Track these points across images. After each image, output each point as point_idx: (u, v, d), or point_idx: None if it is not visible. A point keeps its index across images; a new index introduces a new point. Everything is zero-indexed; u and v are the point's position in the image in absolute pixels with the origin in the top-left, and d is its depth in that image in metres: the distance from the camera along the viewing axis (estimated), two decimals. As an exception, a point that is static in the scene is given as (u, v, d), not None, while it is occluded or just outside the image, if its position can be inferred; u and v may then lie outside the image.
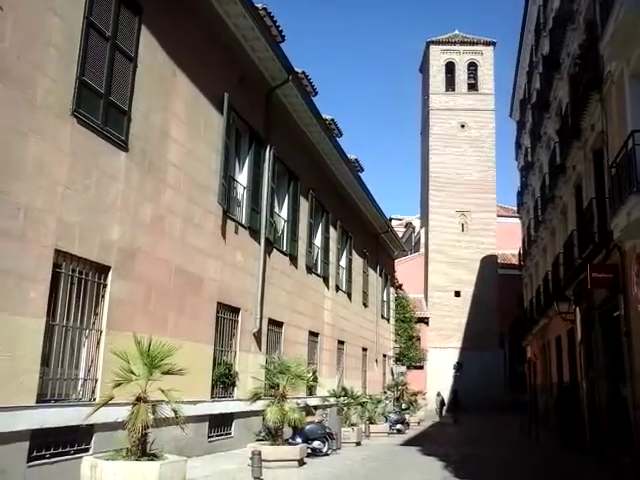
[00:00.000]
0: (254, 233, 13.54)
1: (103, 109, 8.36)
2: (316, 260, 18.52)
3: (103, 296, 8.36)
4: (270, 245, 14.44)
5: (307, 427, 12.20)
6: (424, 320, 38.51)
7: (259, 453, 8.14)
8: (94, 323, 8.25)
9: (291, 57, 13.86)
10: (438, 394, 32.62)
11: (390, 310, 31.29)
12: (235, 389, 12.38)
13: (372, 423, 18.60)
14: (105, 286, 8.39)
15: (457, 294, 39.05)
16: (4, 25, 6.70)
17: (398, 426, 20.71)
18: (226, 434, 12.02)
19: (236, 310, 12.67)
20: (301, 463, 10.74)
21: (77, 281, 7.89)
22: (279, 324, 15.10)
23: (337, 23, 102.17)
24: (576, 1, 15.89)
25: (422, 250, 41.49)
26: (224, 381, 11.91)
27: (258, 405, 11.37)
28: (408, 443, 17.24)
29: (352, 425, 16.19)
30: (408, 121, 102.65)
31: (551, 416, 20.52)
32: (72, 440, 7.52)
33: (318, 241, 18.95)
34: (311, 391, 16.92)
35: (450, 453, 14.21)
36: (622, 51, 10.79)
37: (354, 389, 18.42)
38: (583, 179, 15.84)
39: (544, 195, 22.32)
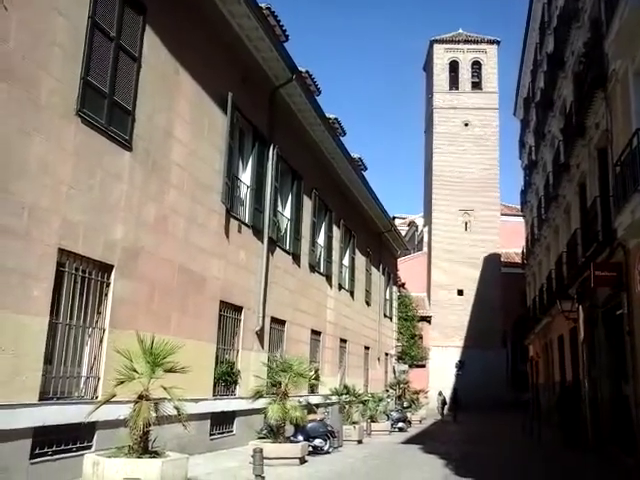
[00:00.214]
0: (257, 232, 13.58)
1: (107, 109, 8.40)
2: (319, 259, 18.55)
3: (106, 295, 8.42)
4: (273, 244, 14.48)
5: (309, 425, 12.24)
6: (426, 319, 38.48)
7: (261, 451, 8.16)
8: (97, 322, 8.30)
9: (294, 56, 13.89)
10: (440, 393, 32.60)
11: (393, 308, 31.32)
12: (237, 387, 12.43)
13: (374, 421, 18.63)
14: (108, 285, 8.45)
15: (460, 293, 39.02)
16: (9, 25, 6.74)
17: (400, 424, 20.73)
18: (228, 432, 12.08)
19: (239, 309, 12.71)
20: (303, 461, 10.78)
21: (80, 280, 7.94)
22: (282, 322, 15.14)
23: (340, 22, 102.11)
24: (581, -1, 15.87)
25: (425, 249, 41.44)
26: (226, 379, 11.97)
27: (260, 403, 11.41)
28: (410, 441, 17.27)
29: (354, 423, 16.23)
30: (411, 120, 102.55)
31: (553, 415, 20.52)
32: (74, 437, 7.58)
33: (321, 240, 18.98)
34: (313, 389, 16.97)
35: (451, 451, 14.24)
36: (627, 49, 10.79)
37: (356, 387, 18.47)
38: (587, 177, 15.82)
39: (548, 194, 22.29)
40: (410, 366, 34.09)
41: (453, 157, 40.13)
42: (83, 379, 8.04)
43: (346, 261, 21.94)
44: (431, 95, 42.15)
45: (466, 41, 42.00)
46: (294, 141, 16.20)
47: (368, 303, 25.06)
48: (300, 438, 11.76)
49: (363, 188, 22.16)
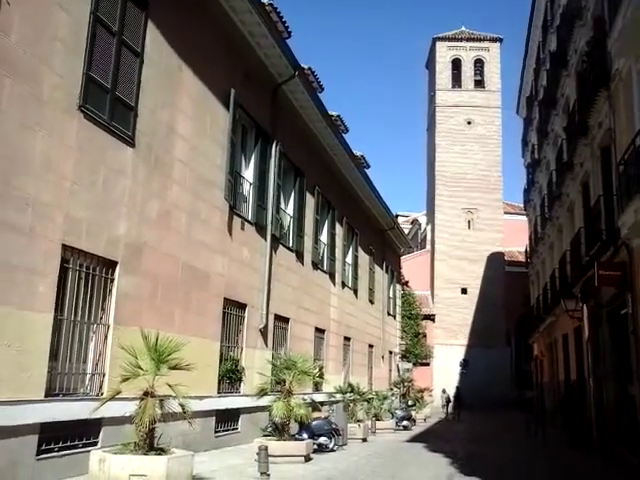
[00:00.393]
0: (260, 229, 13.55)
1: (110, 104, 8.37)
2: (322, 256, 18.52)
3: (110, 291, 8.39)
4: (276, 241, 14.45)
5: (313, 423, 12.20)
6: (430, 317, 38.44)
7: (266, 448, 8.14)
8: (101, 318, 8.27)
9: (297, 53, 13.86)
10: (443, 391, 32.56)
11: (396, 307, 31.28)
12: (242, 385, 12.41)
13: (378, 419, 18.58)
14: (112, 281, 8.42)
15: (464, 291, 38.96)
16: (11, 20, 6.71)
17: (404, 423, 20.68)
18: (233, 429, 12.05)
19: (242, 306, 12.68)
20: (307, 459, 10.75)
21: (84, 276, 7.91)
22: (285, 320, 15.11)
23: (343, 21, 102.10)
24: (584, -3, 15.80)
25: (428, 247, 41.41)
26: (231, 377, 11.95)
27: (264, 401, 11.38)
28: (414, 440, 17.23)
29: (358, 421, 16.19)
30: (414, 118, 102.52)
31: (558, 414, 20.45)
32: (80, 434, 7.56)
33: (324, 237, 18.94)
34: (317, 387, 16.92)
35: (456, 450, 14.19)
36: (630, 48, 10.75)
37: (360, 385, 18.44)
38: (590, 176, 15.76)
39: (551, 192, 22.22)
40: (414, 364, 34.08)
41: (456, 155, 40.08)
42: (88, 375, 8.01)
43: (349, 259, 21.91)
44: (433, 93, 42.10)
45: (469, 39, 41.94)
46: (296, 138, 16.17)
47: (372, 301, 25.02)
48: (305, 436, 11.72)
49: (366, 186, 22.12)
